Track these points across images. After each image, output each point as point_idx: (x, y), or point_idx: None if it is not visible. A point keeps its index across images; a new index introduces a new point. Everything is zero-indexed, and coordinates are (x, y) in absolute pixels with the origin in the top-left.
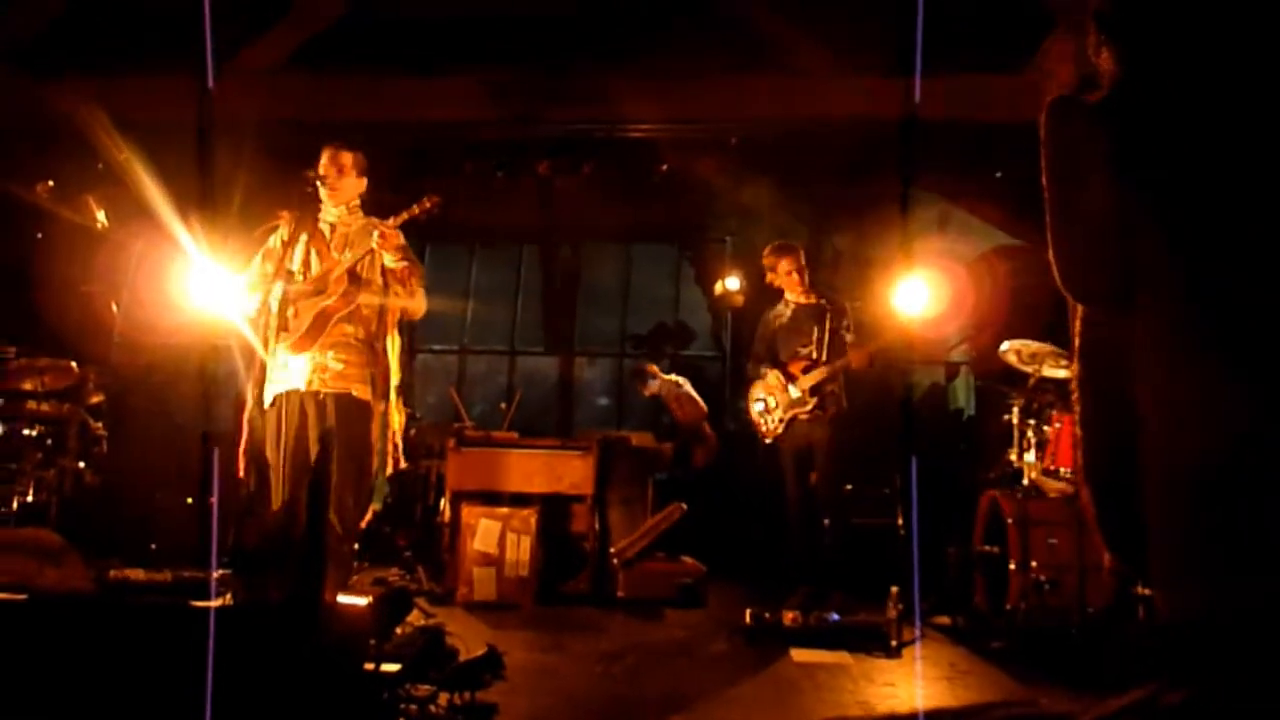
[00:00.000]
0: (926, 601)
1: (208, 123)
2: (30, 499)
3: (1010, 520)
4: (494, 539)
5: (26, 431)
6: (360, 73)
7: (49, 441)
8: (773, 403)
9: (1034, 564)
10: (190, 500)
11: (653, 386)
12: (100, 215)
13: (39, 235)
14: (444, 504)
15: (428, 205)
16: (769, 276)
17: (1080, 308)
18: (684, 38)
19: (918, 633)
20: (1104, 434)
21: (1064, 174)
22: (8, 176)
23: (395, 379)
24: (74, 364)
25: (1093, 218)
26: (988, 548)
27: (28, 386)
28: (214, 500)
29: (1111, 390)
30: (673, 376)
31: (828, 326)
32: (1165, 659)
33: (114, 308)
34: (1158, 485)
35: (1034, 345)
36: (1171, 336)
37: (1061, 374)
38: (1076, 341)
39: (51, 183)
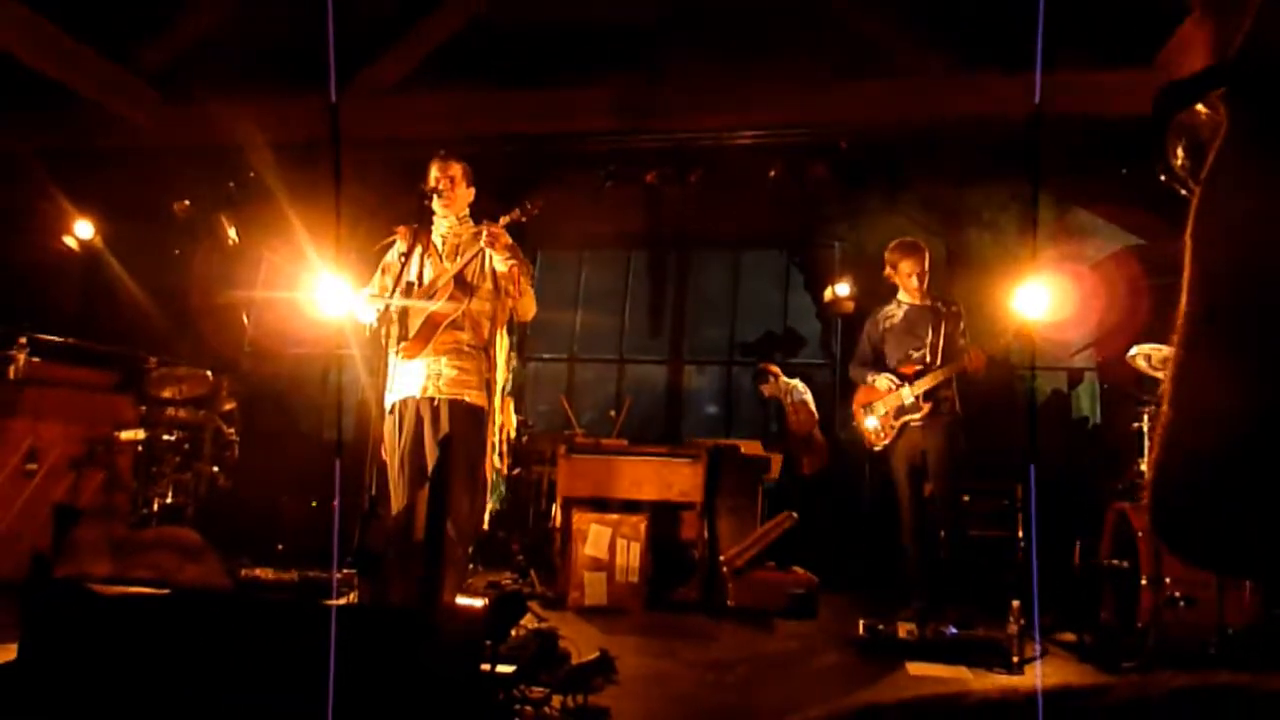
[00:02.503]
0: (1050, 617)
1: (334, 141)
2: (169, 501)
3: (1141, 533)
4: (604, 545)
5: (166, 437)
6: (469, 89)
7: (186, 446)
8: (883, 409)
9: (1167, 579)
10: (314, 503)
11: (770, 387)
12: (231, 232)
13: (177, 252)
14: (555, 510)
15: (530, 208)
16: (887, 272)
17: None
18: (792, 43)
19: (1037, 649)
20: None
21: None
22: (149, 195)
23: (503, 381)
24: (209, 373)
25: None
26: (1116, 562)
27: (167, 394)
28: (336, 503)
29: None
30: (794, 381)
31: (943, 330)
32: None
33: (245, 319)
34: None
35: (1165, 349)
36: None
37: None
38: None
39: (188, 202)
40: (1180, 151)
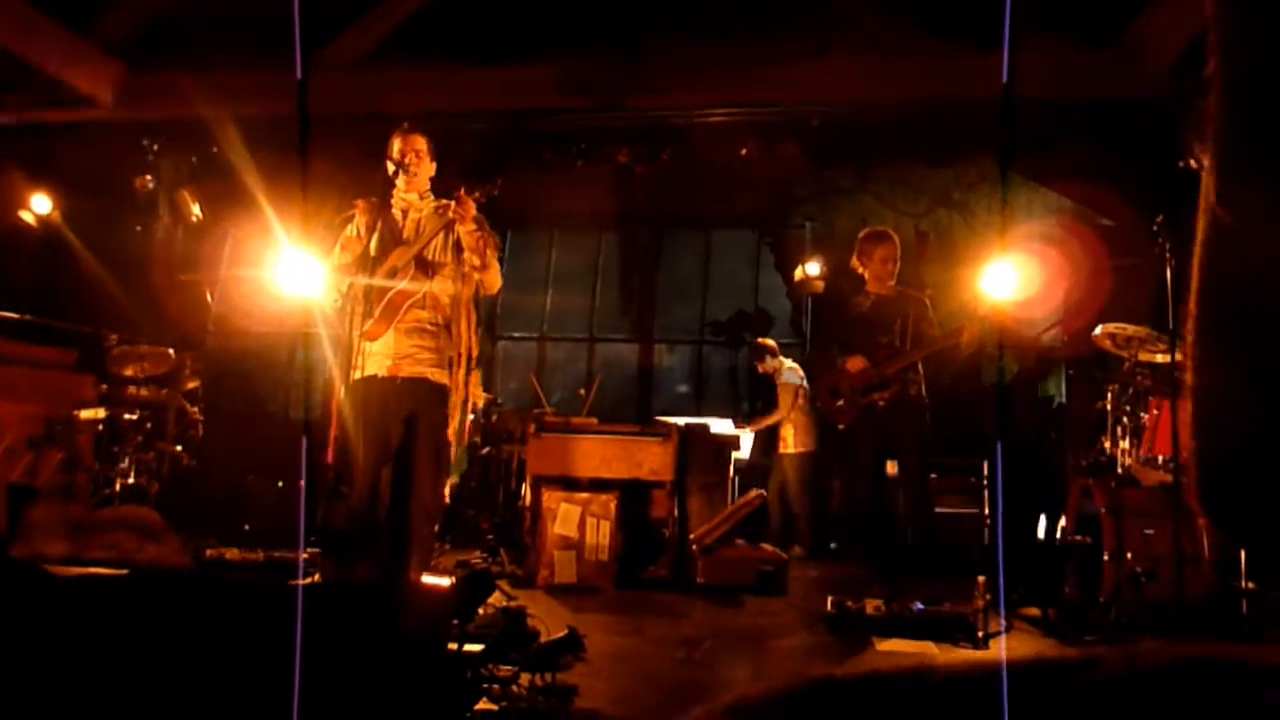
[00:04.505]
0: (1015, 593)
1: (301, 115)
2: (131, 481)
3: (1104, 509)
4: (574, 523)
5: (128, 416)
6: (439, 64)
7: (148, 426)
8: (850, 388)
9: (1129, 555)
10: (281, 483)
11: (768, 364)
12: (195, 208)
13: (138, 228)
14: (525, 489)
15: (490, 188)
16: (857, 261)
17: (1209, 218)
18: (764, 21)
19: (1002, 624)
20: (1233, 372)
21: (1241, 31)
22: (110, 170)
23: (471, 356)
24: (171, 351)
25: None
26: (1079, 538)
27: (129, 373)
28: (303, 483)
29: (1246, 320)
30: (787, 362)
31: (910, 318)
32: None
33: (209, 297)
34: None
35: (1130, 328)
36: None
37: (1159, 358)
38: (1201, 255)
39: (150, 177)
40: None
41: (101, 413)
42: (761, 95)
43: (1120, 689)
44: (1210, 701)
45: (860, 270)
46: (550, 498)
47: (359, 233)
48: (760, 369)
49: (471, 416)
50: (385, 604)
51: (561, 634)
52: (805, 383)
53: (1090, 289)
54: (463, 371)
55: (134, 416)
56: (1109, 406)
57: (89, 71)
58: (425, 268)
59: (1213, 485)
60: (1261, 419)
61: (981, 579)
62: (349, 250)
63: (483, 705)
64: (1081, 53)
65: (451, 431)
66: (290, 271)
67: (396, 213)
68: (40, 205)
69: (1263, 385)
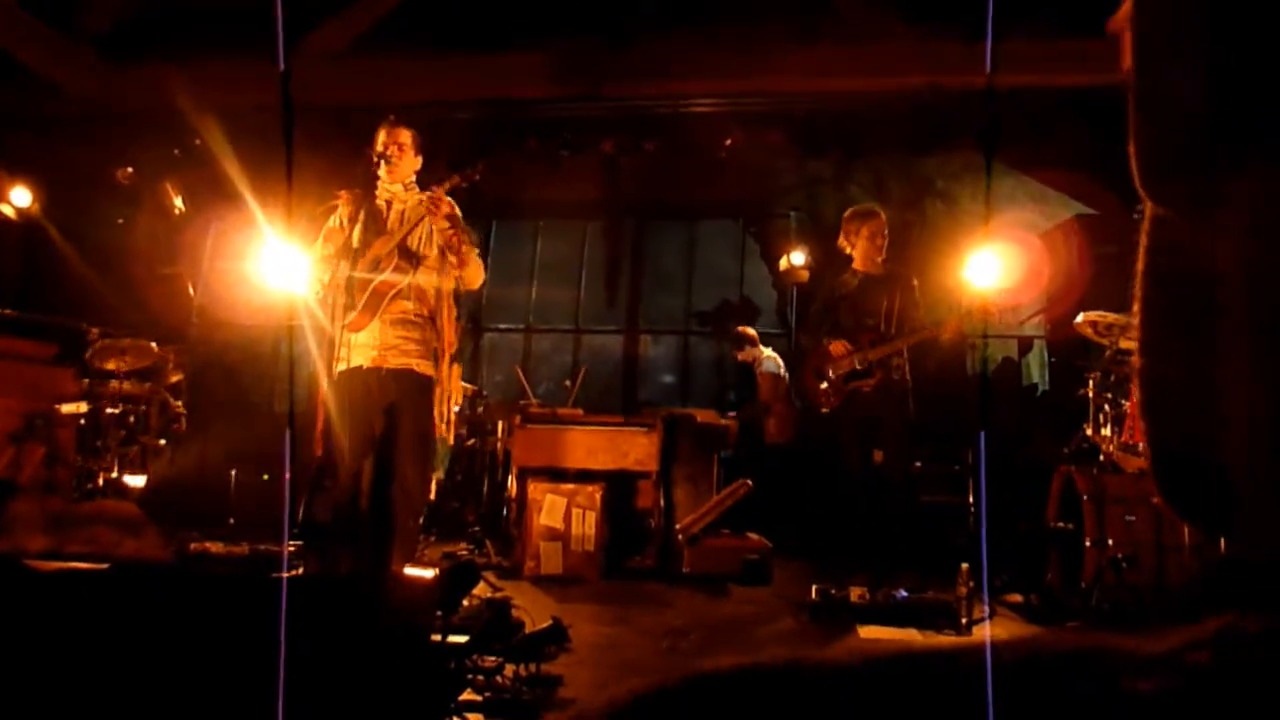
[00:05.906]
0: (998, 580)
1: (284, 106)
2: (115, 475)
3: (1085, 496)
4: (560, 514)
5: (110, 410)
6: (423, 53)
7: (131, 420)
8: (833, 372)
9: (1110, 541)
10: (266, 476)
11: (747, 352)
12: (178, 200)
13: (120, 220)
14: (511, 480)
15: (470, 174)
16: (845, 240)
17: (1150, 209)
18: (750, 9)
19: (986, 610)
20: (1174, 356)
21: (1152, 50)
22: (91, 162)
23: (452, 350)
24: (154, 344)
25: (1180, 100)
26: (1061, 524)
27: (111, 366)
28: (287, 476)
29: (1185, 305)
30: (767, 350)
31: (898, 299)
32: (1242, 593)
33: (191, 290)
34: (1258, 416)
35: (1111, 316)
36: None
37: None
38: (1144, 243)
39: (131, 169)
40: None
41: (83, 407)
42: (746, 85)
43: (979, 682)
44: (1067, 691)
45: (848, 249)
46: (536, 489)
47: (342, 224)
48: (740, 357)
49: (457, 409)
50: (369, 596)
51: (546, 625)
52: (785, 372)
53: (1073, 277)
54: (445, 365)
55: (116, 410)
56: (1091, 394)
57: (68, 64)
58: (409, 258)
59: (1162, 466)
60: (1201, 400)
61: (965, 566)
62: (332, 241)
63: (467, 696)
64: (1065, 42)
65: (440, 426)
66: (274, 263)
67: (380, 204)
68: (20, 198)
69: (1201, 366)
